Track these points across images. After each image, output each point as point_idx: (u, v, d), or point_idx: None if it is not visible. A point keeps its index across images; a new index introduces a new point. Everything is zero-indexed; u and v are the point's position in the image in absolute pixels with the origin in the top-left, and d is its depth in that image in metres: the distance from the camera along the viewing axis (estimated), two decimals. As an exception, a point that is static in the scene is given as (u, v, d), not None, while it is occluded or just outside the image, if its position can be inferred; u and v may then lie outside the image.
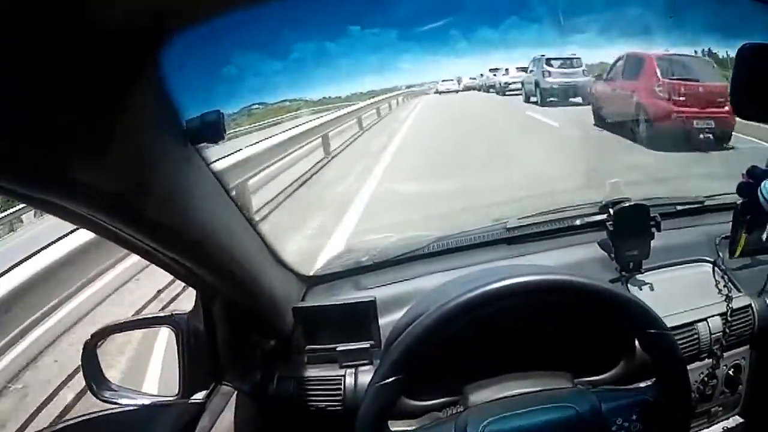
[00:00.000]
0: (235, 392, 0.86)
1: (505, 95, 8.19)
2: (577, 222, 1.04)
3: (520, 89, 7.52)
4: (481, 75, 9.09)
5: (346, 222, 3.34)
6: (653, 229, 0.93)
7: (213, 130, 0.53)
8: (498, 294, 0.67)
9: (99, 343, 0.84)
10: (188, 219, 0.56)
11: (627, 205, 0.93)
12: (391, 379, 0.67)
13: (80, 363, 0.83)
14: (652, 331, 0.70)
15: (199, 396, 0.83)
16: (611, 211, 0.93)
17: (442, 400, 0.80)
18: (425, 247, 1.02)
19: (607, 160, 3.97)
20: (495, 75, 8.63)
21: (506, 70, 8.30)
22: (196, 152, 0.56)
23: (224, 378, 0.84)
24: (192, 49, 0.46)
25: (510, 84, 8.06)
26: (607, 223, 0.93)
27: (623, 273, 0.94)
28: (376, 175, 4.50)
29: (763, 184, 0.70)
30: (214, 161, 0.60)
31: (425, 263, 1.01)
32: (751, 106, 0.61)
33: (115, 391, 0.85)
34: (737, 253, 0.94)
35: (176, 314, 0.81)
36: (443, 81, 9.15)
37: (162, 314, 0.83)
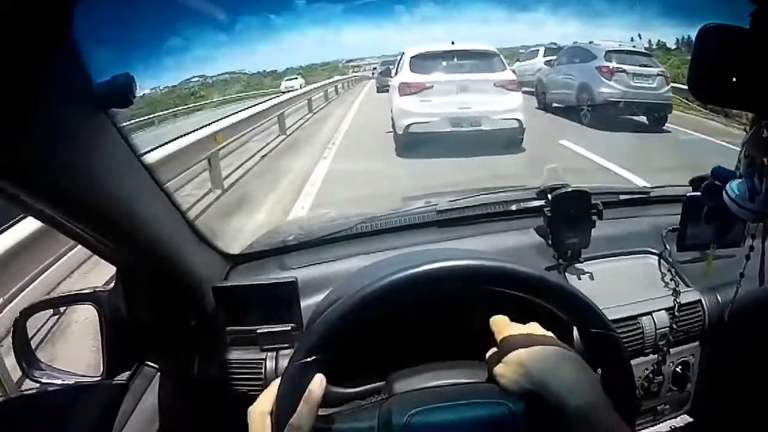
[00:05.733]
0: (158, 373, 0.85)
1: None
2: (513, 207, 1.00)
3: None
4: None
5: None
6: (594, 217, 0.89)
7: (122, 93, 0.50)
8: (423, 278, 0.62)
9: (28, 320, 0.86)
10: (102, 192, 0.55)
11: (567, 190, 0.90)
12: (309, 359, 0.63)
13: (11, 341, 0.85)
14: (596, 330, 0.63)
15: (123, 376, 0.83)
16: (549, 196, 0.90)
17: (365, 387, 0.77)
18: (352, 228, 0.99)
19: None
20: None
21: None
22: (108, 120, 0.53)
23: (147, 358, 0.84)
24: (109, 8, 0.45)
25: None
26: (545, 209, 0.90)
27: (561, 261, 0.91)
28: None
29: (728, 185, 0.67)
30: (127, 127, 0.57)
31: (351, 244, 0.98)
32: (710, 89, 0.59)
33: (44, 370, 0.85)
34: (706, 268, 0.90)
35: (98, 291, 0.81)
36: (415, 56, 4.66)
37: (84, 291, 0.83)
